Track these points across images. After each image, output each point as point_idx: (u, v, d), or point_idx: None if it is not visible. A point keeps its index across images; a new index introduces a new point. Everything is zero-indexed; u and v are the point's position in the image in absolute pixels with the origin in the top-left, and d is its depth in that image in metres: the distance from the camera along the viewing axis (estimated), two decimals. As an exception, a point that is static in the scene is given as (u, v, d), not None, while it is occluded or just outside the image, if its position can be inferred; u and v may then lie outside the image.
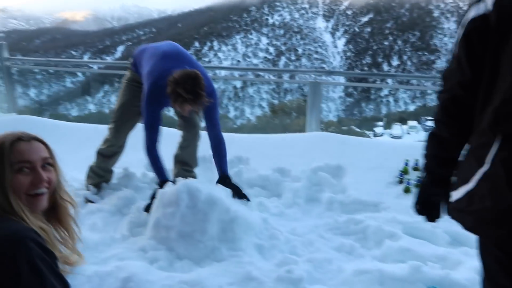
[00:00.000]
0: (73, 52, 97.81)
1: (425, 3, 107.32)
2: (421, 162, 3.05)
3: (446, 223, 2.45)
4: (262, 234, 2.28)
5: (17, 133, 1.21)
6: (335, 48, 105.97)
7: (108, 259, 1.99)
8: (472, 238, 2.33)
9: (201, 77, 2.30)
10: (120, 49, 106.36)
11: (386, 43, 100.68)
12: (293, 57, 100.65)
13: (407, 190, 2.84)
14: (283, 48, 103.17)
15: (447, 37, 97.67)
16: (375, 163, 3.21)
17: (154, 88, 2.42)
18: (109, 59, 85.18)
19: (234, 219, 2.18)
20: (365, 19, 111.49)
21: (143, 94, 2.48)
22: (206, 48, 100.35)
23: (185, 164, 2.96)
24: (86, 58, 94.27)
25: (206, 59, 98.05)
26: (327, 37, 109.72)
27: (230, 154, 3.29)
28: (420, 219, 2.51)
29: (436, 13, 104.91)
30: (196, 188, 2.17)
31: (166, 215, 2.13)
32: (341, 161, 3.18)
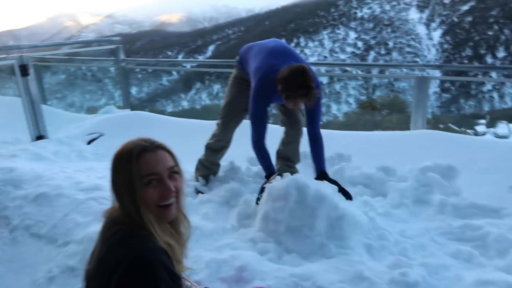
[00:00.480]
0: (169, 53, 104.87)
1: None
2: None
3: None
4: (370, 233, 2.22)
5: (141, 143, 1.18)
6: (430, 41, 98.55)
7: (222, 248, 2.10)
8: None
9: (309, 69, 2.32)
10: (211, 48, 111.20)
11: (490, 33, 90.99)
12: (383, 51, 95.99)
13: (534, 196, 2.54)
14: (372, 42, 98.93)
15: None
16: (492, 165, 2.92)
17: (262, 83, 2.48)
18: (200, 58, 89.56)
19: (342, 216, 2.16)
20: (465, 7, 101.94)
21: (251, 89, 2.56)
22: (292, 44, 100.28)
23: (288, 159, 3.00)
24: (180, 57, 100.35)
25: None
26: (421, 29, 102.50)
27: (330, 151, 3.27)
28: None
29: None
30: (305, 183, 2.18)
31: (275, 209, 2.18)
32: (453, 161, 2.95)
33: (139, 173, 1.13)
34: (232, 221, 2.42)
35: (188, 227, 1.31)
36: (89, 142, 4.31)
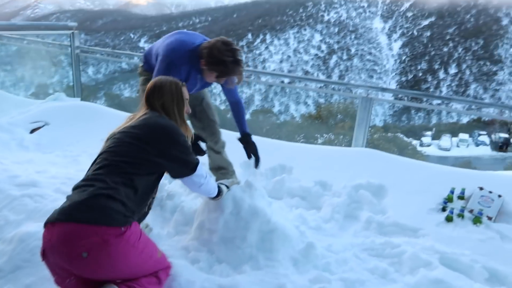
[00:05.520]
0: (132, 35, 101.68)
1: (494, 9, 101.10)
2: (468, 191, 2.97)
3: (485, 258, 2.43)
4: (299, 247, 2.37)
5: (178, 80, 2.05)
6: (390, 51, 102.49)
7: (155, 254, 2.15)
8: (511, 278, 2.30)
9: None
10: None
11: (445, 49, 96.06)
12: (345, 57, 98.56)
13: (449, 219, 2.80)
14: (335, 46, 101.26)
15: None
16: (419, 187, 3.17)
17: (172, 54, 2.37)
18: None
19: (274, 230, 2.28)
20: (425, 22, 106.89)
21: (157, 63, 2.43)
22: (258, 40, 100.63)
23: (221, 168, 3.06)
24: (143, 41, 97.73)
25: (257, 52, 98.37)
26: (383, 39, 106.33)
27: (274, 161, 3.41)
28: (460, 251, 2.50)
29: (505, 22, 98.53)
30: (241, 197, 2.28)
31: (211, 219, 2.27)
32: (385, 181, 3.18)
33: (184, 96, 2.02)
34: (169, 228, 2.48)
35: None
36: (32, 131, 4.16)
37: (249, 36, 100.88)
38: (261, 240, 2.27)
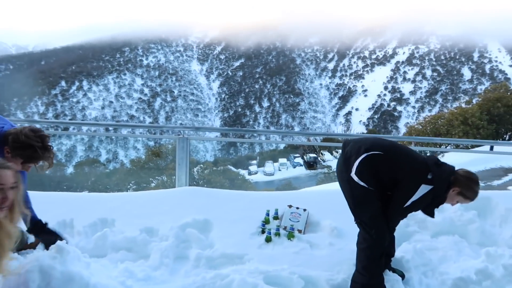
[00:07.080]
0: None
1: (289, 51, 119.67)
2: (280, 211, 3.31)
3: (300, 268, 2.74)
4: (126, 304, 2.22)
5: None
6: (210, 90, 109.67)
7: None
8: (322, 280, 2.65)
9: None
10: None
11: (257, 86, 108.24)
12: (169, 98, 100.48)
13: (268, 240, 3.07)
14: (158, 89, 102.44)
15: (308, 82, 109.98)
16: (240, 215, 3.40)
17: None
18: (-50, 98, 73.30)
19: (94, 293, 2.09)
20: (237, 63, 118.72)
21: None
22: (74, 87, 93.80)
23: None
24: None
25: (75, 100, 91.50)
26: (202, 80, 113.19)
27: (94, 216, 3.17)
28: (280, 267, 2.76)
29: (298, 61, 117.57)
30: (50, 265, 2.02)
31: (13, 300, 1.93)
32: (209, 215, 3.30)
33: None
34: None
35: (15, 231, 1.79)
36: None
37: (63, 83, 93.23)
38: (81, 308, 2.04)
